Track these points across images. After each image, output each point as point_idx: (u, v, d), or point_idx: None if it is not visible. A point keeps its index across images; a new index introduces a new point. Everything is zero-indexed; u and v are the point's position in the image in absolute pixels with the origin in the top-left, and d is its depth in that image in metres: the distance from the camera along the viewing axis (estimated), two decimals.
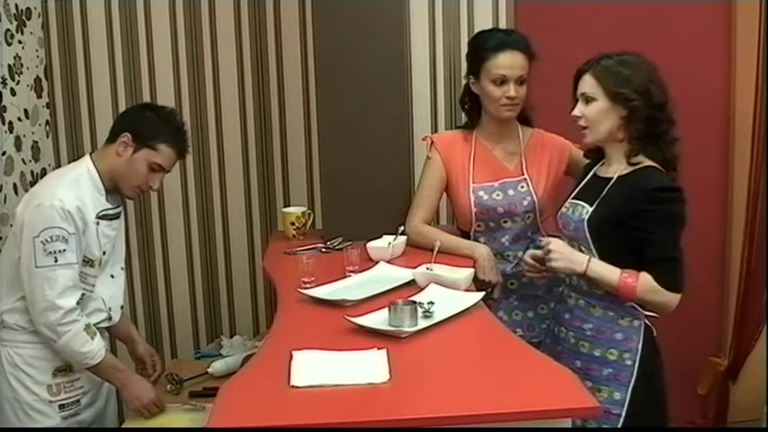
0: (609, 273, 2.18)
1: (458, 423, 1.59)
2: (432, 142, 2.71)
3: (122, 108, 3.16)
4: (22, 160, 2.98)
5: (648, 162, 2.18)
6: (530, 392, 1.68)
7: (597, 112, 2.20)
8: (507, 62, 2.52)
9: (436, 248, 2.45)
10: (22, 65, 2.99)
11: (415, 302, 2.01)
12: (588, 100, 2.22)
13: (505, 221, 2.63)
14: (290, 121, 3.37)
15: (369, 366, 1.75)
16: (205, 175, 3.41)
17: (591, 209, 2.22)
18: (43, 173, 3.11)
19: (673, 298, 2.15)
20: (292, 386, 1.67)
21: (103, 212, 2.37)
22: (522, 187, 2.62)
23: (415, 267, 2.34)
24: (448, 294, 2.18)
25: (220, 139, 3.39)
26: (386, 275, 2.38)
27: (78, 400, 2.39)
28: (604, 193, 2.22)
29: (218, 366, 2.64)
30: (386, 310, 1.99)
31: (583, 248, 2.25)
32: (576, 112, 2.25)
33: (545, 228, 2.65)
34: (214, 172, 3.41)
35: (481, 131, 2.68)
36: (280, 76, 3.35)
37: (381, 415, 1.60)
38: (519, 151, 2.66)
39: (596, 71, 2.20)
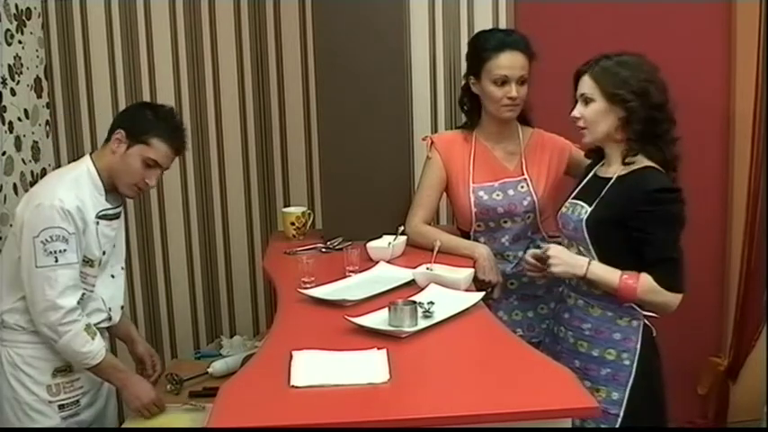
0: (609, 274, 2.18)
1: (458, 423, 1.59)
2: (432, 142, 2.71)
3: (122, 108, 3.15)
4: (22, 160, 2.98)
5: (648, 162, 2.18)
6: (529, 392, 1.68)
7: (595, 113, 2.21)
8: (508, 62, 2.52)
9: (436, 248, 2.45)
10: (22, 65, 2.99)
11: (415, 302, 2.01)
12: (587, 101, 2.22)
13: (505, 221, 2.63)
14: (290, 121, 3.37)
15: (369, 366, 1.75)
16: (205, 175, 3.41)
17: (590, 209, 2.22)
18: (43, 173, 3.11)
19: (673, 298, 2.15)
20: (292, 386, 1.67)
21: (103, 212, 2.37)
22: (522, 187, 2.62)
23: (415, 267, 2.34)
24: (448, 294, 2.18)
25: (220, 139, 3.39)
26: (386, 275, 2.38)
27: (78, 401, 2.39)
28: (603, 193, 2.22)
29: (218, 366, 2.64)
30: (386, 310, 1.99)
31: (582, 249, 2.25)
32: (576, 112, 2.25)
33: (545, 228, 2.66)
34: (214, 172, 3.41)
35: (481, 131, 2.67)
36: (280, 76, 3.35)
37: (381, 415, 1.60)
38: (519, 151, 2.66)
39: (594, 72, 2.20)
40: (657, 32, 3.20)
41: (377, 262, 2.49)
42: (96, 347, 2.30)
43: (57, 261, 2.22)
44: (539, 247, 2.40)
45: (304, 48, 3.30)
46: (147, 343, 2.68)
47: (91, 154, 2.43)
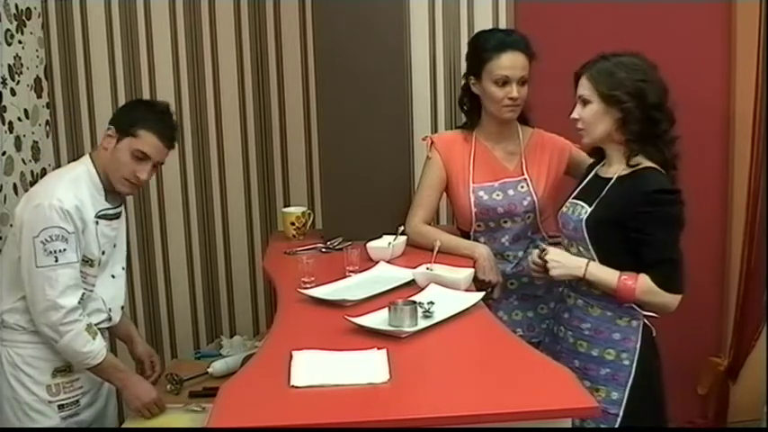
0: (607, 275, 2.18)
1: (458, 423, 1.59)
2: (432, 142, 2.71)
3: None
4: (22, 160, 2.98)
5: (648, 163, 2.18)
6: (529, 392, 1.68)
7: (592, 114, 2.21)
8: (509, 63, 2.52)
9: (436, 248, 2.45)
10: (22, 65, 2.99)
11: (415, 302, 2.01)
12: (585, 102, 2.22)
13: (505, 221, 2.62)
14: (290, 121, 3.37)
15: (369, 366, 1.75)
16: (205, 175, 3.41)
17: (590, 209, 2.22)
18: (43, 173, 3.11)
19: (672, 299, 2.15)
20: (292, 386, 1.67)
21: (103, 212, 2.37)
22: (522, 187, 2.62)
23: (415, 267, 2.34)
24: (448, 294, 2.18)
25: (220, 139, 3.39)
26: (386, 275, 2.38)
27: (78, 401, 2.39)
28: (603, 193, 2.22)
29: (218, 366, 2.64)
30: (386, 310, 1.99)
31: (581, 249, 2.26)
32: (575, 114, 2.25)
33: (545, 228, 2.66)
34: (214, 172, 3.41)
35: (481, 131, 2.67)
36: (280, 76, 3.35)
37: (381, 415, 1.60)
38: (519, 151, 2.66)
39: (591, 73, 2.21)
40: (657, 32, 3.20)
41: (377, 262, 2.49)
42: (97, 347, 2.30)
43: (57, 261, 2.22)
44: (538, 247, 2.40)
45: (304, 48, 3.30)
46: (146, 344, 2.68)
47: (90, 154, 2.43)
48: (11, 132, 2.89)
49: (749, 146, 3.33)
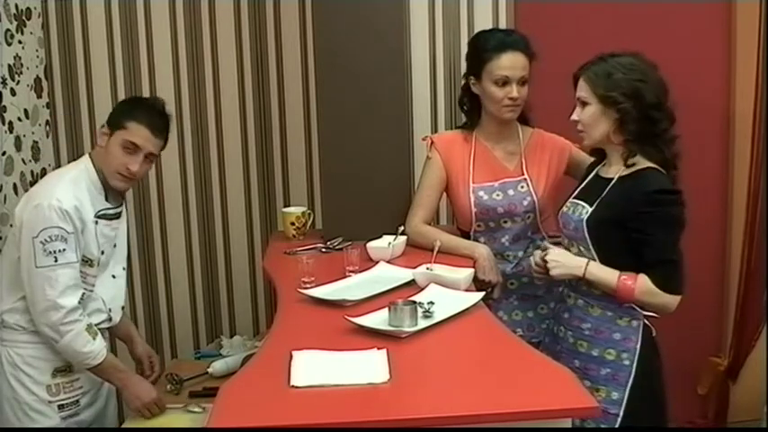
0: (607, 275, 2.18)
1: (458, 423, 1.59)
2: (432, 142, 2.71)
3: None
4: (22, 160, 2.98)
5: (649, 163, 2.18)
6: (529, 392, 1.68)
7: (591, 116, 2.21)
8: (509, 63, 2.52)
9: (436, 248, 2.45)
10: (22, 65, 2.99)
11: (415, 302, 2.01)
12: (584, 104, 2.23)
13: (505, 221, 2.62)
14: (290, 121, 3.37)
15: (369, 366, 1.75)
16: (205, 175, 3.41)
17: (591, 209, 2.22)
18: (43, 173, 3.11)
19: (672, 300, 2.15)
20: (292, 386, 1.67)
21: (103, 212, 2.37)
22: (522, 187, 2.62)
23: (415, 267, 2.34)
24: (448, 294, 2.18)
25: (220, 139, 3.39)
26: (386, 275, 2.38)
27: (78, 401, 2.39)
28: (604, 193, 2.22)
29: (218, 366, 2.64)
30: (386, 310, 1.99)
31: (582, 248, 2.26)
32: (574, 116, 2.25)
33: (545, 228, 2.66)
34: (214, 172, 3.41)
35: (481, 131, 2.67)
36: (280, 76, 3.35)
37: (381, 415, 1.60)
38: (519, 151, 2.66)
39: (588, 75, 2.21)
40: (657, 32, 3.20)
41: (377, 262, 2.49)
42: (97, 347, 2.30)
43: (56, 261, 2.22)
44: (539, 247, 2.40)
45: (304, 48, 3.30)
46: (146, 344, 2.68)
47: (90, 154, 2.43)
48: (11, 132, 2.89)
49: (749, 146, 3.33)
